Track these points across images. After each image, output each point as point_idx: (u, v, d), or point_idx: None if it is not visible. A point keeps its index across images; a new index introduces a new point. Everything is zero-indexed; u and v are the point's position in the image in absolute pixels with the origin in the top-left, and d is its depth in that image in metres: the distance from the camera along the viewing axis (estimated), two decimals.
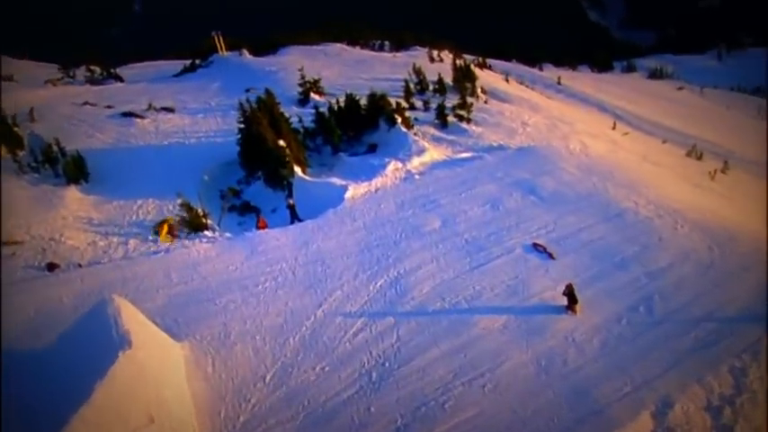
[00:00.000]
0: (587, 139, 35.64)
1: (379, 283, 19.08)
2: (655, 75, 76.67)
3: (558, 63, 77.46)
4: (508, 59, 69.66)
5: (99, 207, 24.86)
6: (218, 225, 24.30)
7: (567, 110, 47.31)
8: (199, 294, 18.92)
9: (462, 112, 35.54)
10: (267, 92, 30.86)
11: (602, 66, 79.06)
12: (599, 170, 25.64)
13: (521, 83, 56.59)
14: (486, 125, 34.94)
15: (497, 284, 18.55)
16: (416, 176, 26.08)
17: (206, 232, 23.14)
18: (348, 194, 24.54)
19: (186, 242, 22.39)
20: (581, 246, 20.21)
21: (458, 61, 45.70)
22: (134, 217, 24.42)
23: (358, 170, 27.34)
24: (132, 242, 22.48)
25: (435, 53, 57.66)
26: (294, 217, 24.13)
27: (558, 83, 58.55)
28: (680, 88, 69.51)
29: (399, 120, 30.98)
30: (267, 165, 26.72)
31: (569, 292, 17.02)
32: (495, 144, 30.49)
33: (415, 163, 27.36)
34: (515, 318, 17.07)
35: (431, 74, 43.07)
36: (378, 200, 24.35)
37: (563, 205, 22.84)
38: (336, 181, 25.95)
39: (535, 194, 23.77)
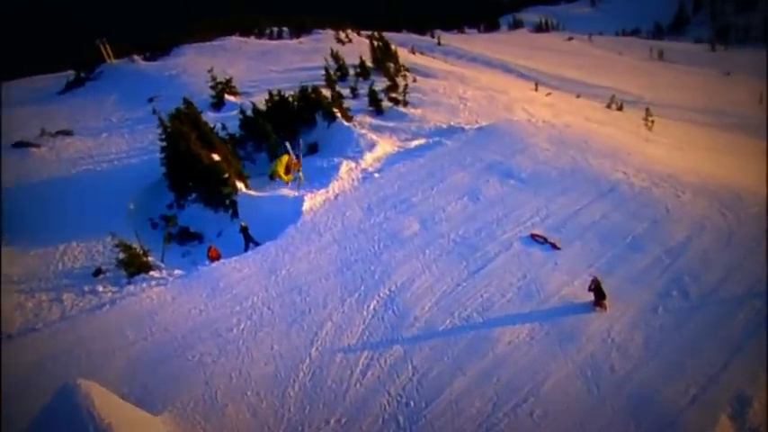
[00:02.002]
0: (529, 107, 35.12)
1: (372, 306, 17.29)
2: (540, 28, 78.99)
3: (447, 28, 78.26)
4: (399, 30, 69.16)
5: (15, 261, 21.86)
6: (162, 261, 21.79)
7: (489, 77, 46.82)
8: (165, 350, 16.62)
9: (396, 95, 33.98)
10: (186, 101, 28.20)
11: (489, 25, 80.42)
12: (571, 141, 24.63)
13: (421, 53, 55.91)
14: (424, 105, 33.58)
15: (507, 288, 17.08)
16: (376, 175, 24.30)
17: (152, 273, 20.62)
18: (306, 206, 22.51)
19: (132, 288, 19.84)
20: (584, 230, 19.01)
21: (375, 41, 43.97)
22: (60, 266, 21.63)
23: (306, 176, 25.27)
24: (67, 297, 19.76)
25: (343, 34, 55.74)
26: (249, 240, 21.94)
27: (438, 42, 59.17)
28: (569, 39, 71.27)
29: (338, 113, 29.00)
30: (204, 184, 24.26)
31: (596, 287, 15.77)
32: (444, 126, 29.06)
33: (369, 160, 25.60)
34: (540, 325, 15.67)
35: (347, 57, 41.34)
36: (340, 208, 22.45)
37: (548, 186, 21.62)
38: (288, 192, 23.86)
39: (514, 178, 22.47)
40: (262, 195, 24.28)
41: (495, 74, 51.37)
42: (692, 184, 20.75)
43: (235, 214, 23.99)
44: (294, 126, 29.40)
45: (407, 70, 41.57)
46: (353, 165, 25.13)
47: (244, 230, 22.04)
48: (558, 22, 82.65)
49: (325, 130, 28.68)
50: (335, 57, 40.20)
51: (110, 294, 19.74)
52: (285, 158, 23.27)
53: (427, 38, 67.95)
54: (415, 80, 38.30)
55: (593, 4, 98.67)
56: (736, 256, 16.88)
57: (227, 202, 24.14)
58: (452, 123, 29.07)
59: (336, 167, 24.88)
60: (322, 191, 23.45)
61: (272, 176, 23.56)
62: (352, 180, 24.24)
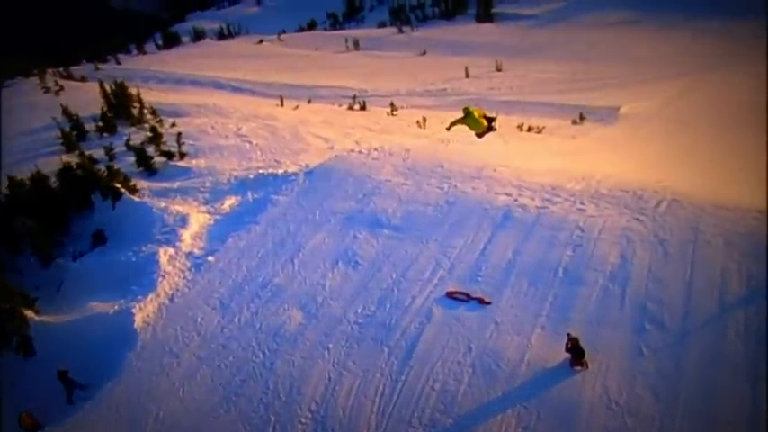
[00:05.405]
0: (315, 130, 33.48)
1: None
2: (223, 35, 79.59)
3: (125, 52, 75.15)
4: (78, 63, 64.39)
5: None
6: None
7: (244, 104, 43.95)
8: None
9: (168, 148, 29.78)
10: None
11: (169, 41, 78.83)
12: (423, 168, 22.82)
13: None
14: (204, 153, 30.01)
15: (458, 370, 14.82)
16: (209, 258, 20.46)
17: None
18: (138, 321, 18.16)
19: None
20: (504, 272, 17.25)
21: (106, 85, 38.65)
22: None
23: (109, 279, 20.66)
24: None
25: (51, 82, 49.06)
26: (72, 386, 17.14)
27: (96, 68, 59.34)
28: (260, 42, 71.99)
29: (122, 188, 24.41)
30: None
31: (573, 345, 14.02)
32: (250, 176, 25.71)
33: (188, 240, 21.63)
34: (524, 408, 13.67)
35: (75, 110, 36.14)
36: (185, 312, 18.44)
37: (431, 229, 19.57)
38: (102, 308, 19.12)
39: (385, 226, 20.10)
40: (66, 320, 19.22)
41: (212, 93, 48.78)
42: (582, 191, 20.00)
43: (28, 353, 18.82)
44: (63, 215, 24.29)
45: (154, 112, 37.15)
46: (173, 251, 21.01)
47: (63, 375, 17.19)
48: (239, 27, 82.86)
49: (109, 211, 23.91)
50: (68, 113, 34.65)
51: None
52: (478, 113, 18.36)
53: (116, 65, 63.66)
54: (174, 124, 34.31)
55: (260, 2, 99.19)
56: (684, 267, 16.17)
57: (16, 340, 18.85)
58: (261, 171, 25.87)
59: (153, 260, 20.58)
60: (150, 295, 19.12)
61: (466, 111, 18.43)
62: (182, 272, 20.15)
